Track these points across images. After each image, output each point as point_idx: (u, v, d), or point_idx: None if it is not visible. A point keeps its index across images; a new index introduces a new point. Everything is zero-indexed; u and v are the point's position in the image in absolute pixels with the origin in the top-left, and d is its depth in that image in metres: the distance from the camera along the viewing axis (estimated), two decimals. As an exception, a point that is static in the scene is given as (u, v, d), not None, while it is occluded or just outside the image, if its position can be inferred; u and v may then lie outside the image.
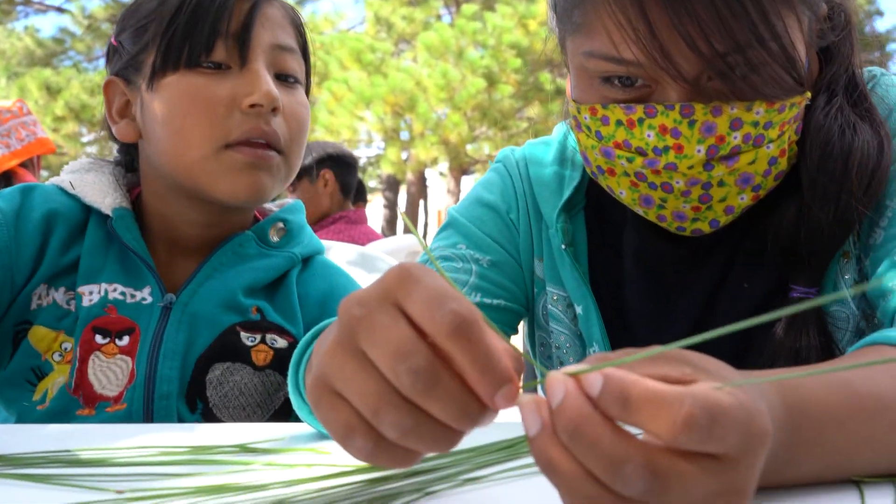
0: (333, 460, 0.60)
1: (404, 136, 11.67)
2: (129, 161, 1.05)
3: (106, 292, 0.93)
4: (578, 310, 0.90)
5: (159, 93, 0.92)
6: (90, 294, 0.93)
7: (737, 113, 0.71)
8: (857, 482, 0.51)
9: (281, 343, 0.98)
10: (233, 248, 0.99)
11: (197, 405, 0.93)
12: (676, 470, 0.38)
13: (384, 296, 0.42)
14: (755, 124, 0.72)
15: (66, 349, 0.92)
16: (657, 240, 0.85)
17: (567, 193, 0.91)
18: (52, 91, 12.67)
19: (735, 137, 0.72)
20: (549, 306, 0.93)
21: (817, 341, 0.77)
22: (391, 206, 14.82)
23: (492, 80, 10.66)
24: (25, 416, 0.91)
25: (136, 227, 0.97)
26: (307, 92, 1.04)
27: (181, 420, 0.92)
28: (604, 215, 0.92)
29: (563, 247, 0.89)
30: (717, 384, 0.40)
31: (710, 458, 0.38)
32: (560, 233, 0.89)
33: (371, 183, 16.93)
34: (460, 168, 12.64)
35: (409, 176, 13.54)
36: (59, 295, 0.94)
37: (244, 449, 0.63)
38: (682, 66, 0.70)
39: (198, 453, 0.62)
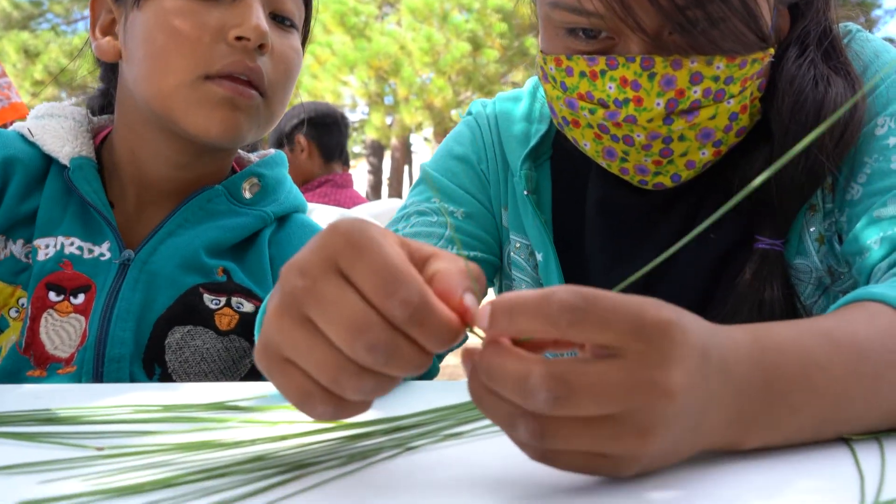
0: (314, 417, 0.60)
1: (388, 100, 11.58)
2: (104, 93, 1.01)
3: (62, 246, 0.89)
4: (539, 257, 0.90)
5: (146, 11, 0.88)
6: (46, 248, 0.89)
7: (697, 67, 0.72)
8: (846, 440, 0.51)
9: (247, 307, 0.93)
10: (200, 204, 0.94)
11: (155, 370, 0.88)
12: (578, 371, 0.39)
13: (327, 264, 0.42)
14: (715, 79, 0.73)
15: (22, 305, 0.88)
16: (621, 189, 0.86)
17: (533, 142, 0.92)
18: (30, 54, 12.48)
19: (695, 92, 0.73)
20: (512, 254, 0.94)
21: (780, 293, 0.78)
22: (375, 171, 14.75)
23: (477, 45, 10.57)
24: None
25: (97, 177, 0.92)
26: (304, 42, 0.99)
27: None
28: (569, 166, 0.92)
29: (525, 193, 0.90)
30: None
31: (613, 357, 0.40)
32: (523, 179, 0.90)
33: (355, 148, 16.82)
34: (445, 133, 12.57)
35: (394, 141, 13.47)
36: (17, 248, 0.90)
37: (224, 407, 0.63)
38: (642, 19, 0.70)
39: (178, 411, 0.62)
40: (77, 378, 0.86)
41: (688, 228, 0.84)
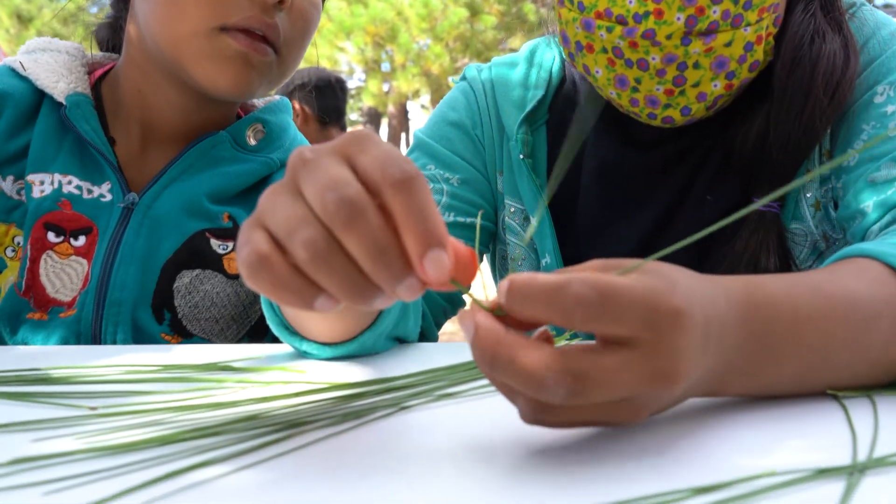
0: (308, 378, 0.60)
1: (385, 67, 11.50)
2: (113, 24, 0.98)
3: (60, 184, 0.86)
4: (533, 221, 0.90)
5: None
6: (41, 184, 0.86)
7: None
8: (835, 396, 0.52)
9: None
10: (204, 150, 0.92)
11: (164, 316, 0.87)
12: (596, 365, 0.38)
13: (335, 148, 0.42)
14: (735, 1, 0.73)
15: (18, 243, 0.86)
16: (620, 151, 0.86)
17: (529, 106, 0.91)
18: (23, 20, 12.34)
19: (714, 12, 0.73)
20: (507, 219, 0.94)
21: (776, 256, 0.78)
22: (372, 139, 14.68)
23: (474, 10, 10.47)
24: None
25: (95, 115, 0.90)
26: None
27: (141, 331, 0.86)
28: (565, 130, 0.92)
29: (521, 157, 0.89)
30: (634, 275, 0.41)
31: (625, 346, 0.39)
32: (519, 143, 0.90)
33: (352, 116, 16.73)
34: (442, 100, 12.50)
35: (391, 108, 13.39)
36: (7, 184, 0.87)
37: (218, 367, 0.63)
38: None
39: (171, 371, 0.62)
40: (77, 321, 0.84)
41: (686, 191, 0.85)
